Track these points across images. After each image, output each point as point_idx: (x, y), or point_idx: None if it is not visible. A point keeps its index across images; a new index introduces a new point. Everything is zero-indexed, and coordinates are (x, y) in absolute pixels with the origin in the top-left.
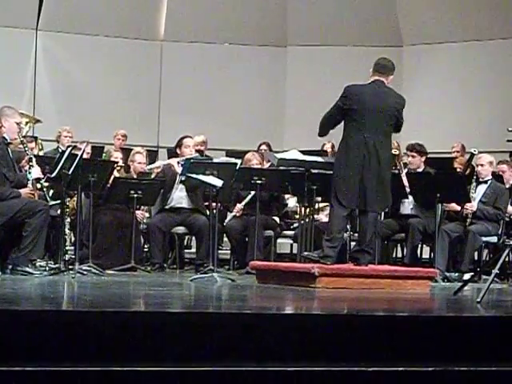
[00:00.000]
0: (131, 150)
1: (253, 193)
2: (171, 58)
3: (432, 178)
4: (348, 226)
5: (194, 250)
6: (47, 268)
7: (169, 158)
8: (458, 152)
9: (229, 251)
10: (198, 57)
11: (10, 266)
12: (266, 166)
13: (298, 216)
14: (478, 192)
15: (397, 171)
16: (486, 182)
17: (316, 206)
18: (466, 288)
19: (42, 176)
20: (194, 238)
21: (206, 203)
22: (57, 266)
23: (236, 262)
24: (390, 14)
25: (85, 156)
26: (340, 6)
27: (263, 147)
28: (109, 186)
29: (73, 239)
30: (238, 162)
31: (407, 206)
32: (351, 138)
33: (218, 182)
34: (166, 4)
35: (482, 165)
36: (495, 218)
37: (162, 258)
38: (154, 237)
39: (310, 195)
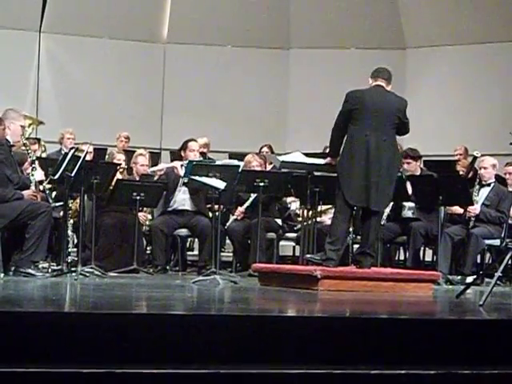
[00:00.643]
0: (134, 151)
1: (253, 196)
2: (174, 60)
3: (435, 181)
4: (350, 229)
5: (196, 252)
6: (50, 270)
7: (171, 160)
8: (460, 155)
9: (231, 253)
10: (200, 59)
11: (13, 268)
12: (269, 168)
13: (300, 218)
14: (481, 195)
15: (399, 174)
16: (488, 184)
17: (319, 209)
18: (468, 291)
19: (45, 178)
20: (196, 240)
21: (209, 205)
22: (59, 267)
23: (238, 265)
24: (393, 16)
25: (88, 158)
26: (343, 9)
27: (265, 149)
28: (111, 187)
29: (75, 241)
30: (241, 164)
31: (409, 209)
32: (354, 138)
33: (221, 185)
34: (170, 6)
35: (484, 168)
36: (498, 221)
37: (165, 260)
38: (157, 239)
39: (313, 197)
